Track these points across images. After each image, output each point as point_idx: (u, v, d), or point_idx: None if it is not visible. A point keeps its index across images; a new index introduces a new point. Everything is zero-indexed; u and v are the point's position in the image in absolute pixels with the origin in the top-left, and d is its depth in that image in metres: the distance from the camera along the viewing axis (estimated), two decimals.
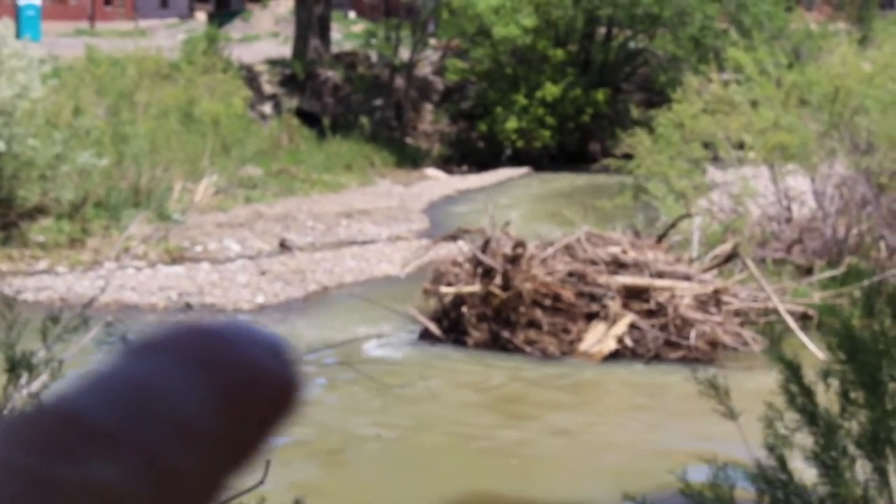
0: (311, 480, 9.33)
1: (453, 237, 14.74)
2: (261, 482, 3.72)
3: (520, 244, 13.06)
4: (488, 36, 32.18)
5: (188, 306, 15.14)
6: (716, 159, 18.08)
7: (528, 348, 12.73)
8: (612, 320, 12.69)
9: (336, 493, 9.16)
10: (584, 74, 33.51)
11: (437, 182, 29.26)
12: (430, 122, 34.13)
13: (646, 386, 12.17)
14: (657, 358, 12.61)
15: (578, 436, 10.74)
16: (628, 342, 12.69)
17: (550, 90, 32.38)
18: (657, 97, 27.23)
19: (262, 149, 26.60)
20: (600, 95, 33.02)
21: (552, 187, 28.57)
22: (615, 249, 13.45)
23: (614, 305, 12.71)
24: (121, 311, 14.06)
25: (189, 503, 0.41)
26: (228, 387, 0.42)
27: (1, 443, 0.40)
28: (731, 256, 13.76)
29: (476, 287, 13.04)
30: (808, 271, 14.73)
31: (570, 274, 13.06)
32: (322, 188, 25.98)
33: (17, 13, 35.84)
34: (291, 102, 32.14)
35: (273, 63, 33.81)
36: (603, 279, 12.94)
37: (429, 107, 34.42)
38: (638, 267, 13.21)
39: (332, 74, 33.58)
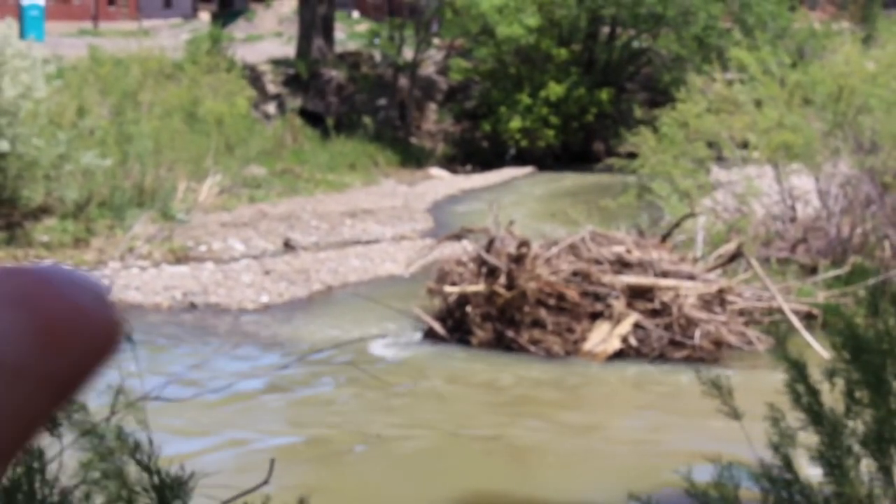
0: (315, 480, 9.34)
1: (457, 237, 14.75)
2: (265, 482, 3.72)
3: (524, 243, 13.06)
4: (492, 35, 32.18)
5: (192, 306, 15.14)
6: (720, 159, 18.07)
7: (532, 348, 12.73)
8: (616, 320, 12.68)
9: (341, 492, 9.16)
10: (587, 74, 33.50)
11: (441, 181, 29.26)
12: (434, 121, 34.13)
13: (650, 385, 12.16)
14: (661, 357, 12.61)
15: (582, 435, 10.74)
16: (633, 342, 12.69)
17: (554, 90, 32.38)
18: (661, 97, 27.23)
19: (265, 148, 26.61)
20: (604, 95, 33.00)
21: (556, 187, 28.56)
22: (619, 249, 13.44)
23: (619, 305, 12.70)
24: (125, 310, 14.06)
25: (7, 437, 0.41)
26: (47, 324, 0.42)
27: None
28: (735, 256, 13.76)
29: (480, 286, 13.04)
30: (813, 270, 14.72)
31: (575, 273, 13.05)
32: (326, 188, 25.99)
33: (20, 13, 35.86)
34: (295, 102, 32.14)
35: (277, 63, 33.82)
36: (607, 278, 12.94)
37: (432, 106, 34.42)
38: (642, 266, 13.21)
39: (336, 74, 33.58)
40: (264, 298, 15.49)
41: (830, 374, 3.70)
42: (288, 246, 19.23)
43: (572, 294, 12.82)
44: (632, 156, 18.93)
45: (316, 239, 20.01)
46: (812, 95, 16.67)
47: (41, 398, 0.42)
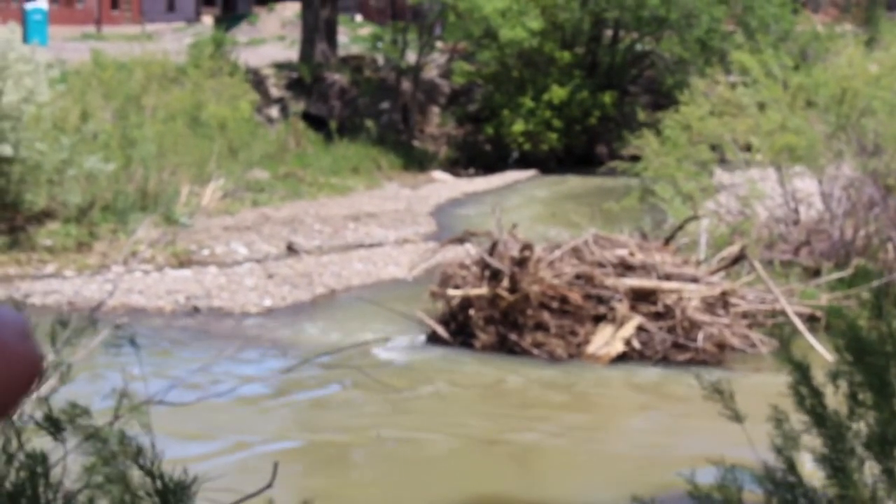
0: (319, 483, 9.34)
1: (460, 240, 14.76)
2: (269, 485, 3.72)
3: (527, 247, 13.06)
4: (495, 39, 32.17)
5: (196, 309, 15.15)
6: (723, 161, 18.06)
7: (535, 351, 12.73)
8: (619, 323, 12.68)
9: (344, 495, 9.16)
10: (590, 77, 33.50)
11: (444, 185, 29.26)
12: (437, 124, 34.13)
13: (653, 388, 12.16)
14: (665, 360, 12.61)
15: (586, 438, 10.74)
16: (636, 344, 12.69)
17: (557, 93, 32.37)
18: (664, 99, 27.21)
19: (268, 152, 26.62)
20: (607, 98, 33.00)
21: (559, 190, 28.57)
22: (622, 252, 13.44)
23: (622, 308, 12.70)
24: (128, 314, 14.09)
25: None
26: None
27: None
28: (738, 258, 13.75)
29: (483, 290, 13.05)
30: (816, 273, 14.71)
31: (578, 276, 13.05)
32: (329, 191, 25.99)
33: (24, 17, 35.93)
34: (298, 106, 32.16)
35: (280, 66, 33.84)
36: (610, 281, 12.94)
37: (435, 110, 34.43)
38: (645, 269, 13.20)
39: (339, 78, 33.60)
40: (267, 302, 15.50)
41: (834, 377, 3.70)
42: (291, 249, 19.23)
43: (575, 297, 12.82)
44: (635, 159, 18.92)
45: (319, 242, 20.01)
46: (815, 98, 16.66)
47: None
